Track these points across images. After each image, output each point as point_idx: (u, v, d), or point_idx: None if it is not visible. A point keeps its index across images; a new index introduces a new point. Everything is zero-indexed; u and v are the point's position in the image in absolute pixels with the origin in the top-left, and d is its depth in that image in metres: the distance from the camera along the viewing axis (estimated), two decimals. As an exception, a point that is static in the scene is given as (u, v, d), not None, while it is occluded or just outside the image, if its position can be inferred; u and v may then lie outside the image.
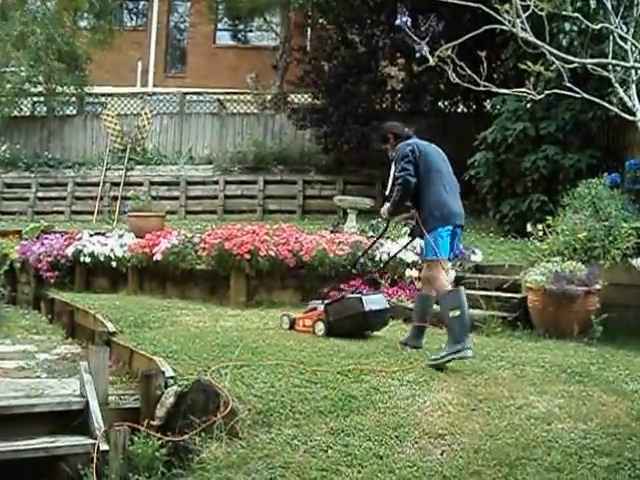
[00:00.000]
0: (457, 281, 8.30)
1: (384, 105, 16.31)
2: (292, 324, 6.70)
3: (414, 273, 8.28)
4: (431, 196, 5.48)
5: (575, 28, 9.09)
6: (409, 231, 5.89)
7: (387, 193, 5.85)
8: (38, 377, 5.84)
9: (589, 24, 4.79)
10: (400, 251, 7.37)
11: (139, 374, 5.17)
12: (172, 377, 4.93)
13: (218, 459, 4.11)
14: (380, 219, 10.56)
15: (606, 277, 6.64)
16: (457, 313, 5.26)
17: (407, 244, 7.01)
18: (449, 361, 5.17)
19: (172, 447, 4.40)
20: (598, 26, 4.84)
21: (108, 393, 4.98)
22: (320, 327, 6.41)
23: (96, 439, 4.42)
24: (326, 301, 6.52)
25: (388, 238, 9.23)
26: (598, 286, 6.58)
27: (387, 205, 5.77)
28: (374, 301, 6.35)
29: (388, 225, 6.38)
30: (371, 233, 9.97)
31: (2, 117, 17.44)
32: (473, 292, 7.76)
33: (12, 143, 17.50)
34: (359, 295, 6.38)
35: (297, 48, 16.74)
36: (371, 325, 6.45)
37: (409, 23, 4.79)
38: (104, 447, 4.36)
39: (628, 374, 5.11)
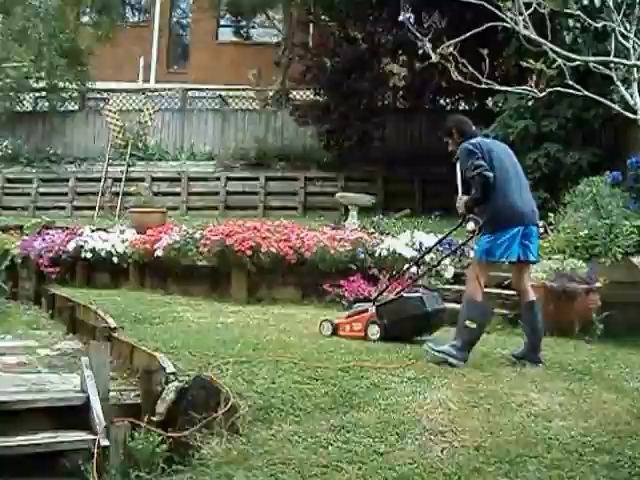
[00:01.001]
0: (456, 277, 8.31)
1: (386, 102, 16.32)
2: (335, 329, 6.27)
3: (413, 269, 8.26)
4: (497, 197, 5.23)
5: (578, 25, 9.08)
6: (473, 226, 5.45)
7: (460, 192, 5.51)
8: (39, 372, 5.85)
9: (591, 22, 4.79)
10: (459, 248, 6.99)
11: (140, 370, 5.18)
12: (173, 373, 4.93)
13: (218, 455, 4.11)
14: (381, 216, 10.61)
15: (607, 275, 6.63)
16: (474, 326, 5.21)
17: (468, 240, 6.20)
18: (439, 360, 5.18)
19: (173, 443, 4.41)
20: (600, 24, 4.83)
21: (109, 389, 4.98)
22: (374, 330, 6.03)
23: (97, 435, 4.42)
24: (377, 302, 6.17)
25: (389, 234, 9.25)
26: (599, 284, 6.58)
27: (465, 199, 5.40)
28: (434, 300, 6.07)
29: (464, 220, 5.60)
30: (372, 230, 9.97)
31: (4, 112, 17.45)
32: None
33: (14, 138, 17.51)
34: (419, 294, 6.02)
35: (299, 45, 16.73)
36: (430, 327, 6.10)
37: (412, 20, 4.79)
38: (105, 443, 4.37)
39: (629, 372, 5.11)
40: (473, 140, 5.45)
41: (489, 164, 5.24)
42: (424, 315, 5.92)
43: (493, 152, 5.37)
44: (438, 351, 5.23)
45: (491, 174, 5.19)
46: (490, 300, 5.69)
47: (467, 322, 5.22)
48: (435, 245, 6.97)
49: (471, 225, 5.47)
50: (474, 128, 5.72)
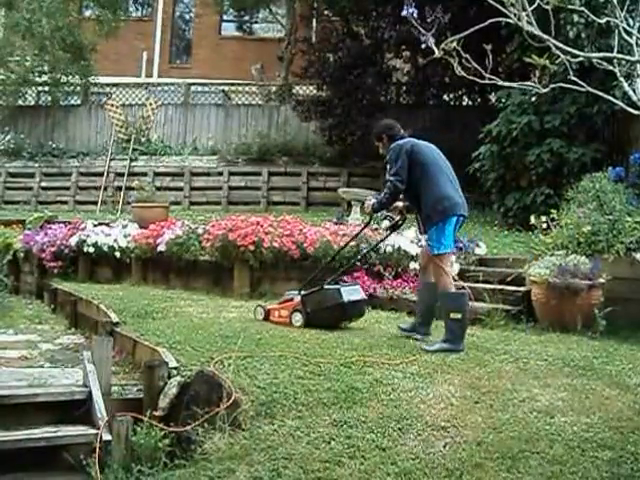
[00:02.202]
0: (461, 274, 8.30)
1: (389, 97, 16.28)
2: (267, 315, 6.72)
3: (418, 265, 8.25)
4: (432, 191, 5.57)
5: (582, 20, 9.05)
6: (389, 224, 6.24)
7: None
8: (41, 367, 5.86)
9: (595, 18, 4.76)
10: (378, 244, 7.41)
11: (142, 364, 5.17)
12: (175, 368, 4.93)
13: (221, 450, 4.11)
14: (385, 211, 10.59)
15: (610, 271, 6.62)
16: (458, 316, 5.45)
17: (385, 237, 7.01)
18: (438, 353, 5.36)
19: (175, 438, 4.41)
20: (604, 20, 4.81)
21: (111, 383, 4.98)
22: (298, 317, 6.44)
23: (99, 429, 4.42)
24: (303, 292, 6.54)
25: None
26: (602, 280, 6.57)
27: (374, 201, 5.89)
28: (352, 292, 6.47)
29: (371, 219, 6.47)
30: (375, 225, 9.96)
31: (7, 106, 17.47)
32: (477, 285, 7.77)
33: (16, 133, 17.52)
34: (338, 286, 6.43)
35: (302, 40, 16.69)
36: (349, 316, 6.52)
37: (415, 15, 4.76)
38: (107, 437, 4.37)
39: (631, 368, 5.10)
40: (401, 141, 5.79)
41: (421, 162, 5.61)
42: (341, 305, 6.31)
43: (422, 150, 5.74)
44: (435, 350, 5.42)
45: (402, 187, 5.60)
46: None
47: (452, 315, 5.47)
48: (378, 244, 7.38)
49: (386, 223, 6.13)
50: (402, 131, 6.02)
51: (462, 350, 5.40)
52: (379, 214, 6.41)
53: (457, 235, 8.56)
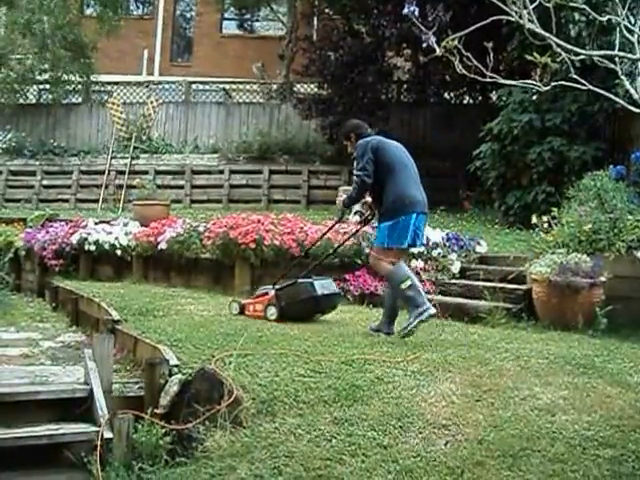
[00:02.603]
0: (462, 272, 8.31)
1: (390, 95, 16.29)
2: (242, 309, 6.88)
3: (419, 264, 8.27)
4: (393, 187, 5.76)
5: (583, 18, 9.05)
6: (359, 219, 6.52)
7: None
8: (42, 364, 5.86)
9: (596, 15, 4.76)
10: (348, 239, 7.48)
11: (143, 362, 5.18)
12: (176, 365, 4.93)
13: (222, 448, 4.11)
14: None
15: (611, 269, 6.62)
16: (408, 283, 5.64)
17: (356, 232, 7.14)
18: (417, 325, 5.60)
19: (176, 435, 4.41)
20: (605, 18, 4.81)
21: (112, 381, 4.99)
22: (272, 311, 6.62)
23: (100, 427, 4.43)
24: (277, 286, 6.70)
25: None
26: (603, 278, 6.57)
27: (345, 196, 6.18)
28: (325, 286, 6.65)
29: (343, 215, 6.60)
30: (376, 223, 9.95)
31: (8, 105, 17.47)
32: (478, 283, 7.78)
33: (18, 131, 17.54)
34: (310, 280, 6.58)
35: (303, 38, 16.68)
36: (322, 309, 6.72)
37: (416, 13, 4.76)
38: (108, 435, 4.37)
39: (632, 366, 5.09)
40: (368, 138, 5.98)
41: (385, 159, 5.81)
42: (314, 299, 6.52)
43: (387, 148, 5.95)
44: (409, 327, 5.65)
45: (369, 180, 5.80)
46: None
47: (402, 285, 5.65)
48: (343, 242, 7.43)
49: (357, 218, 6.48)
50: (369, 130, 6.23)
51: (430, 308, 5.59)
52: (361, 215, 6.60)
53: (458, 234, 8.75)
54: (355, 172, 5.97)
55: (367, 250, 8.39)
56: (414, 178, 5.92)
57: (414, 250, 8.37)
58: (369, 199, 6.21)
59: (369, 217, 6.39)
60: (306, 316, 6.60)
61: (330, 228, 7.19)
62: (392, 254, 5.85)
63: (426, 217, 6.01)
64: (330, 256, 7.34)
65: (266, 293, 6.81)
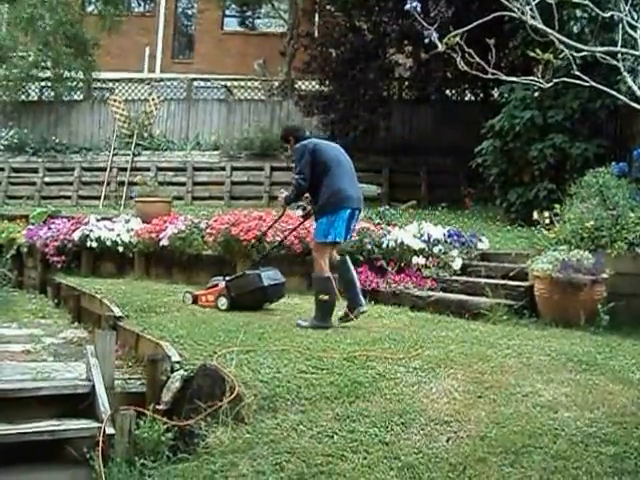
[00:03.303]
0: (463, 269, 8.30)
1: (391, 92, 16.28)
2: (195, 300, 7.34)
3: (421, 260, 8.27)
4: (329, 185, 6.13)
5: (586, 15, 9.03)
6: (302, 213, 6.95)
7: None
8: (44, 361, 5.87)
9: (599, 12, 4.74)
10: (293, 231, 7.62)
11: (145, 359, 5.19)
12: (178, 362, 4.94)
13: (224, 444, 4.12)
14: (387, 206, 10.64)
15: (613, 266, 6.61)
16: (326, 298, 6.12)
17: (299, 224, 7.35)
18: (309, 328, 6.01)
19: (178, 431, 4.42)
20: (608, 14, 4.79)
21: (114, 377, 5.00)
22: (223, 302, 7.09)
23: (102, 423, 4.44)
24: (227, 278, 7.16)
25: (396, 225, 9.26)
26: (605, 275, 6.55)
27: (285, 194, 6.61)
28: (271, 276, 7.11)
29: (284, 211, 7.05)
30: (378, 220, 9.97)
31: (10, 102, 17.48)
32: (479, 280, 7.77)
33: (20, 128, 17.53)
34: (258, 271, 7.06)
35: (304, 34, 16.66)
36: (270, 298, 7.20)
37: (418, 9, 4.75)
38: (110, 431, 4.38)
39: (635, 363, 5.08)
40: (305, 141, 6.36)
41: (321, 159, 6.20)
42: (261, 289, 6.99)
43: (323, 149, 6.34)
44: (307, 326, 6.07)
45: (305, 184, 6.24)
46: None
47: (320, 297, 6.12)
48: (286, 237, 7.72)
49: (299, 212, 6.96)
50: (307, 133, 6.69)
51: (330, 327, 6.07)
52: (304, 209, 7.02)
53: (460, 231, 8.76)
54: (293, 175, 6.42)
55: (369, 246, 8.42)
56: (349, 176, 6.32)
57: (415, 247, 8.39)
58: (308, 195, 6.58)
59: (311, 212, 6.68)
60: (255, 305, 7.03)
61: (274, 222, 7.64)
62: (328, 247, 6.26)
63: (360, 213, 6.43)
64: (275, 248, 7.76)
65: (217, 284, 7.24)
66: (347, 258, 6.49)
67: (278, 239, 8.37)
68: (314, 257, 6.38)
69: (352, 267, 6.47)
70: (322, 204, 6.18)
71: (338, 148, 6.55)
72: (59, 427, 4.57)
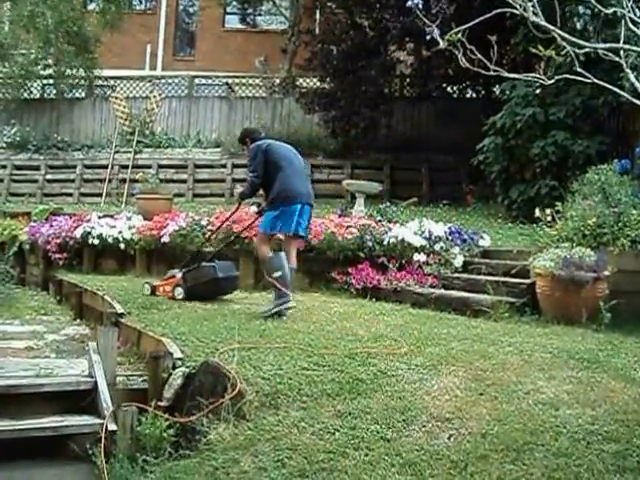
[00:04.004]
0: (465, 266, 8.30)
1: (392, 89, 16.26)
2: (153, 290, 7.61)
3: (422, 257, 8.26)
4: (280, 182, 6.51)
5: (588, 12, 9.01)
6: (257, 209, 7.19)
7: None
8: (47, 357, 5.88)
9: (601, 8, 4.74)
10: (248, 227, 7.81)
11: (147, 355, 5.19)
12: (180, 358, 4.95)
13: (225, 440, 4.12)
14: (388, 204, 10.64)
15: (615, 263, 6.59)
16: (280, 273, 6.40)
17: (254, 220, 7.44)
18: (277, 312, 6.28)
19: (180, 428, 4.43)
20: (610, 10, 4.78)
21: (116, 374, 5.01)
22: (179, 292, 7.39)
23: (104, 419, 4.45)
24: (184, 269, 7.44)
25: (397, 222, 9.25)
26: (607, 272, 6.54)
27: (241, 190, 7.18)
28: (225, 269, 7.40)
29: (239, 206, 7.37)
30: (379, 218, 9.97)
31: (12, 99, 17.48)
32: (481, 277, 7.77)
33: (22, 125, 17.54)
34: (213, 264, 7.33)
35: (305, 31, 16.64)
36: (223, 289, 7.49)
37: (420, 5, 4.74)
38: (112, 427, 4.39)
39: (637, 361, 5.08)
40: (260, 142, 6.79)
41: (273, 157, 6.62)
42: (215, 280, 7.29)
43: (276, 149, 6.77)
44: (268, 311, 6.34)
45: (258, 181, 6.65)
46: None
47: (274, 274, 6.40)
48: (242, 231, 8.01)
49: (254, 208, 7.25)
50: (262, 134, 7.08)
51: (290, 300, 6.37)
52: (258, 205, 7.24)
53: (461, 228, 8.75)
54: (247, 173, 6.88)
55: (370, 243, 8.42)
56: (299, 174, 6.78)
57: (416, 244, 8.39)
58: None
59: (265, 208, 6.92)
60: (209, 296, 7.28)
61: (228, 217, 8.01)
62: (270, 238, 6.66)
63: (311, 208, 6.77)
64: (231, 243, 8.05)
65: (174, 276, 7.54)
66: (293, 270, 6.75)
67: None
68: (256, 244, 6.87)
69: (291, 279, 6.70)
70: (272, 199, 6.57)
71: (290, 148, 7.00)
72: (62, 423, 4.58)
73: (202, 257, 7.63)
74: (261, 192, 6.85)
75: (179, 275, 7.48)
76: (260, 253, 6.64)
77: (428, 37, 4.30)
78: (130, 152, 16.47)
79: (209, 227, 8.97)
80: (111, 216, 10.81)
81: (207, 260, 7.47)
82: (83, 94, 18.65)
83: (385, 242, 8.48)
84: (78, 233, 10.26)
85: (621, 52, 4.70)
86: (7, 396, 4.69)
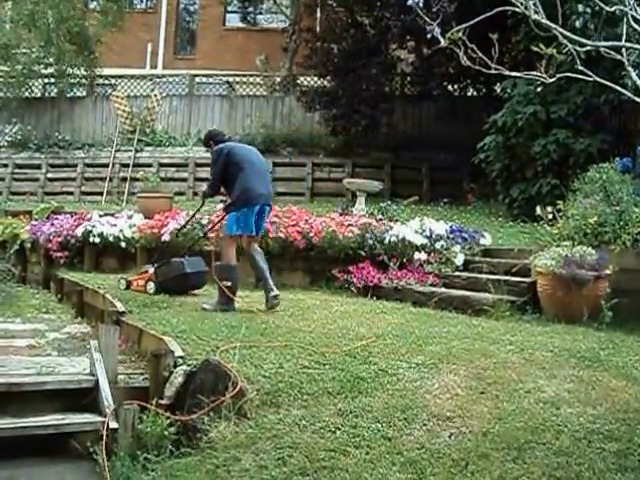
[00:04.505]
0: (466, 265, 8.30)
1: (393, 88, 16.25)
2: (128, 285, 7.80)
3: (423, 256, 8.26)
4: (241, 183, 6.73)
5: (589, 10, 9.00)
6: (222, 206, 7.50)
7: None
8: (48, 355, 5.89)
9: (603, 6, 4.72)
10: (216, 224, 7.91)
11: (148, 353, 5.19)
12: (181, 357, 4.95)
13: (226, 439, 4.12)
14: (389, 202, 10.64)
15: (616, 262, 6.59)
16: (229, 284, 6.67)
17: (222, 218, 7.49)
18: (215, 311, 6.49)
19: (181, 426, 4.43)
20: (613, 8, 4.77)
21: (117, 372, 5.01)
22: (151, 286, 7.57)
23: (106, 417, 4.45)
24: (156, 264, 7.66)
25: (397, 221, 9.25)
26: (608, 271, 6.54)
27: (204, 188, 7.51)
28: (194, 264, 7.57)
29: (204, 203, 7.61)
30: (380, 216, 9.97)
31: (14, 98, 17.49)
32: (482, 276, 7.76)
33: (23, 124, 17.55)
34: (182, 259, 7.55)
35: (306, 30, 16.62)
36: (192, 284, 7.64)
37: (421, 4, 4.73)
38: (113, 425, 4.39)
39: (638, 359, 5.07)
40: (222, 145, 7.04)
41: (235, 160, 6.83)
42: (184, 275, 7.47)
43: (237, 151, 7.01)
44: (211, 309, 6.60)
45: (218, 183, 7.00)
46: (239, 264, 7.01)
47: (224, 283, 6.65)
48: (212, 227, 8.12)
49: (220, 206, 7.55)
50: (226, 137, 7.37)
51: (233, 310, 6.59)
52: (224, 202, 7.40)
53: (462, 226, 8.76)
54: (210, 174, 7.27)
55: (370, 242, 8.41)
56: (260, 175, 6.97)
57: (417, 243, 8.39)
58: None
59: (230, 204, 7.11)
60: (178, 290, 7.43)
61: (193, 215, 8.22)
62: (237, 241, 6.84)
63: (270, 208, 7.11)
64: (201, 239, 8.12)
65: (147, 271, 7.76)
66: (254, 254, 6.93)
67: (281, 235, 8.39)
68: (222, 247, 6.98)
69: (261, 259, 6.98)
70: (233, 200, 6.80)
71: (253, 150, 7.32)
72: (63, 421, 4.59)
73: (171, 252, 7.93)
74: (223, 190, 7.15)
75: (151, 270, 7.67)
76: (225, 256, 6.83)
77: (429, 35, 4.29)
78: (131, 151, 16.47)
79: (210, 226, 8.96)
80: (112, 215, 10.81)
81: (180, 255, 7.70)
82: (84, 93, 18.66)
83: (386, 241, 8.48)
84: (79, 232, 10.26)
85: (623, 50, 4.70)
86: (9, 394, 4.70)
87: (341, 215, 9.72)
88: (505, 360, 4.96)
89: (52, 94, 18.54)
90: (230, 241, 6.87)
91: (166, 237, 9.25)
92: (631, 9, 4.38)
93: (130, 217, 10.36)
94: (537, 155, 10.69)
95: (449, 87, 15.88)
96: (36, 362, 5.45)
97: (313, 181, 15.66)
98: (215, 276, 6.82)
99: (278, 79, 17.94)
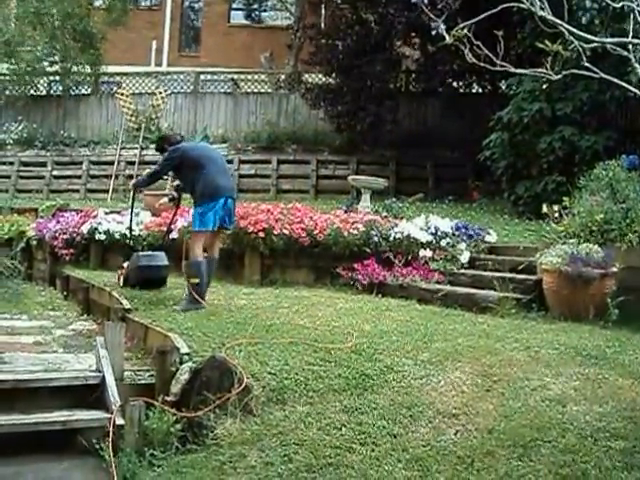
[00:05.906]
0: (471, 262, 8.28)
1: (398, 85, 16.23)
2: (118, 278, 7.99)
3: (428, 253, 8.26)
4: (203, 179, 6.71)
5: (595, 6, 8.97)
6: (167, 200, 7.65)
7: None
8: (55, 352, 5.90)
9: (609, 2, 4.71)
10: (172, 222, 8.14)
11: (154, 350, 5.20)
12: (187, 354, 4.95)
13: (232, 435, 4.14)
14: (394, 199, 10.63)
15: (623, 260, 6.56)
16: (197, 281, 6.65)
17: (175, 213, 7.94)
18: (187, 311, 6.38)
19: (187, 423, 4.44)
20: (619, 4, 4.76)
21: (123, 369, 5.02)
22: (121, 280, 7.81)
23: (112, 413, 4.47)
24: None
25: (403, 218, 9.25)
26: (614, 269, 6.52)
27: (140, 179, 7.77)
28: (152, 258, 7.66)
29: (134, 195, 8.16)
30: (385, 213, 9.96)
31: (20, 96, 17.53)
32: (487, 273, 7.75)
33: (29, 122, 17.58)
34: (142, 253, 7.83)
35: (311, 27, 16.61)
36: (147, 277, 7.57)
37: (425, 0, 4.72)
38: (120, 421, 4.41)
39: (644, 357, 5.08)
40: (178, 145, 7.05)
41: (192, 158, 6.84)
42: (139, 268, 7.54)
43: (192, 149, 7.14)
44: (182, 309, 6.49)
45: (158, 176, 7.22)
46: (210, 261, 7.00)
47: (192, 280, 6.65)
48: (171, 222, 8.22)
49: (165, 200, 7.64)
50: (179, 138, 7.29)
51: (204, 308, 6.50)
52: (172, 198, 7.63)
53: (467, 224, 8.74)
54: (157, 165, 7.31)
55: (375, 239, 8.41)
56: (221, 169, 6.97)
57: (422, 240, 8.39)
58: (177, 182, 7.45)
59: (177, 199, 7.49)
60: (136, 284, 7.53)
61: (132, 206, 8.38)
62: (205, 237, 6.80)
63: (234, 201, 7.01)
64: (167, 236, 8.20)
65: (123, 266, 7.94)
66: (207, 260, 6.89)
67: (286, 232, 8.40)
68: (189, 244, 6.94)
69: (211, 270, 6.99)
70: (197, 196, 6.79)
71: (209, 147, 7.64)
72: (70, 418, 4.61)
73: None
74: (177, 182, 7.38)
75: (125, 265, 7.87)
76: (192, 253, 6.77)
77: (434, 32, 4.28)
78: (136, 148, 16.49)
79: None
80: (118, 212, 10.82)
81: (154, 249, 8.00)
82: (89, 90, 18.70)
83: (391, 238, 8.47)
84: (85, 229, 10.27)
85: (629, 46, 4.68)
86: (16, 390, 4.72)
87: (346, 212, 9.72)
88: (511, 358, 4.96)
89: (57, 92, 18.58)
90: (196, 237, 6.83)
91: (174, 235, 9.24)
92: (638, 5, 4.36)
93: (137, 214, 10.35)
94: (543, 152, 10.67)
95: (454, 84, 15.85)
96: (43, 359, 5.47)
97: (318, 178, 15.66)
98: (186, 274, 6.87)
99: (283, 76, 17.95)
